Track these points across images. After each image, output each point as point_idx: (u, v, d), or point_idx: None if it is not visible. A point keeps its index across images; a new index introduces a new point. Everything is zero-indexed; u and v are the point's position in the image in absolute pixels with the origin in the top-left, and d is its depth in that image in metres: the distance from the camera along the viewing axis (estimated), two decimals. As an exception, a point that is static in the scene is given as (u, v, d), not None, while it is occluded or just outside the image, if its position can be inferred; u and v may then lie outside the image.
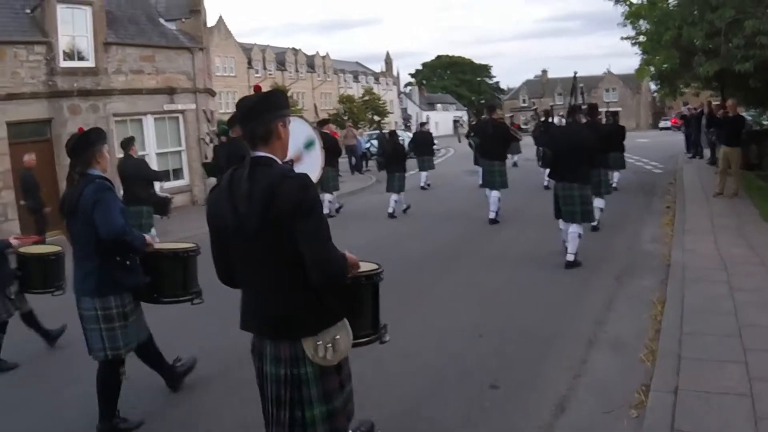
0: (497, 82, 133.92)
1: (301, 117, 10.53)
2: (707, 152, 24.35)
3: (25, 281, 6.76)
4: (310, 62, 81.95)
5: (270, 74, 73.10)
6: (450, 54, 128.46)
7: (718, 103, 23.27)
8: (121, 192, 11.48)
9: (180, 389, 5.87)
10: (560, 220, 10.13)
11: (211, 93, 25.87)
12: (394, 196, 15.84)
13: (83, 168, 5.03)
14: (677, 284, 8.06)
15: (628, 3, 17.49)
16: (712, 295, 7.51)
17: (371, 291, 4.05)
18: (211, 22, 62.33)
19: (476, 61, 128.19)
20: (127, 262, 5.04)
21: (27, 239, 7.15)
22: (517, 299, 8.48)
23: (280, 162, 3.27)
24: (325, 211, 13.42)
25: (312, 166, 8.43)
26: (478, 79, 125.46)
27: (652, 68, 18.43)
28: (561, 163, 9.85)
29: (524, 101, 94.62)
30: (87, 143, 5.08)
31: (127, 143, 12.17)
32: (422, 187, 21.45)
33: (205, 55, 24.57)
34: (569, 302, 8.14)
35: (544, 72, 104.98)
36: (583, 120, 11.03)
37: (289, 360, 3.27)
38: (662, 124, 79.77)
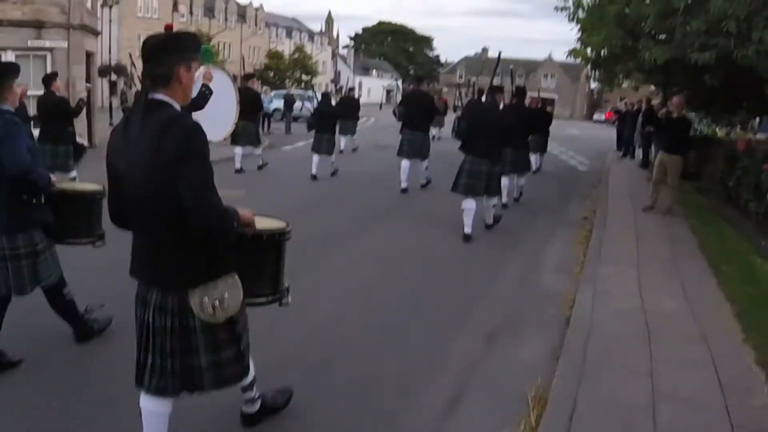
0: (438, 55, 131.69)
1: (223, 69, 10.46)
2: (639, 153, 22.10)
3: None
4: (242, 12, 77.65)
5: (196, 20, 68.87)
6: (393, 21, 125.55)
7: (658, 101, 20.70)
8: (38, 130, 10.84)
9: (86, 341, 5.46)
10: (463, 199, 9.93)
11: (93, 32, 22.62)
12: (315, 157, 15.51)
13: None
14: (571, 373, 5.12)
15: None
16: (621, 404, 4.69)
17: (273, 250, 3.92)
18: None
19: (420, 31, 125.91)
20: (34, 201, 4.89)
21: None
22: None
23: (177, 106, 3.20)
24: (237, 165, 15.50)
25: (225, 118, 8.42)
26: (411, 49, 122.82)
27: (589, 50, 15.51)
28: (473, 138, 9.90)
29: (461, 77, 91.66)
30: None
31: (48, 79, 11.47)
32: (340, 151, 20.64)
33: None
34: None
35: (485, 50, 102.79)
36: (510, 101, 12.06)
37: (177, 310, 3.28)
38: (596, 116, 79.33)
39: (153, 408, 3.51)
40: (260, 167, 16.43)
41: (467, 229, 9.88)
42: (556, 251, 9.69)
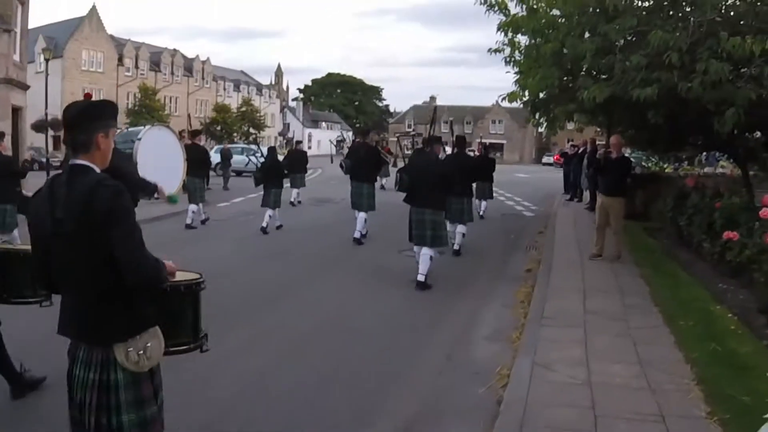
0: (387, 105, 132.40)
1: (168, 126, 10.31)
2: (587, 195, 21.44)
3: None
4: (189, 65, 76.94)
5: (142, 74, 68.06)
6: (342, 72, 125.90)
7: (602, 142, 19.96)
8: None
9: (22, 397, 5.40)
10: (414, 248, 10.41)
11: (20, 86, 21.56)
12: (269, 212, 15.70)
13: None
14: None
15: (503, 11, 13.97)
16: None
17: (190, 300, 4.03)
18: (81, 12, 57.71)
19: (370, 82, 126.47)
20: None
21: None
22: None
23: (97, 170, 3.30)
24: (188, 221, 15.82)
25: (173, 175, 8.27)
26: (360, 100, 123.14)
27: (527, 93, 14.62)
28: (416, 189, 10.18)
29: (410, 126, 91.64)
30: None
31: None
32: (291, 203, 21.32)
33: (12, 38, 20.66)
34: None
35: (432, 98, 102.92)
36: (451, 151, 12.89)
37: (101, 365, 3.27)
38: (545, 159, 79.62)
39: None
40: (203, 222, 16.59)
41: (420, 277, 10.02)
42: (493, 314, 8.68)
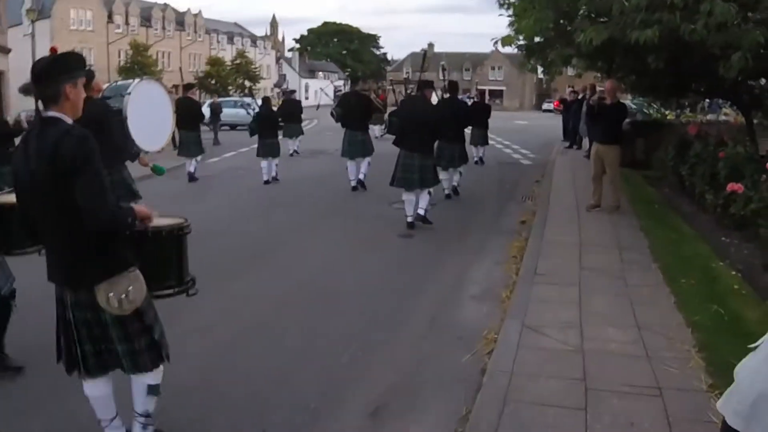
0: (385, 53, 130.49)
1: (157, 80, 9.92)
2: (586, 142, 20.90)
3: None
4: (180, 20, 75.51)
5: (133, 30, 66.73)
6: (338, 21, 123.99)
7: (603, 88, 19.30)
8: None
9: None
10: (403, 192, 10.37)
11: (2, 49, 21.05)
12: (263, 162, 15.88)
13: None
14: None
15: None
16: None
17: (174, 244, 4.16)
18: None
19: (366, 30, 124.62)
20: None
21: None
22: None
23: (68, 121, 3.43)
24: (190, 169, 16.11)
25: (162, 128, 8.17)
26: (357, 48, 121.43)
27: (521, 37, 13.93)
28: (405, 133, 10.22)
29: (407, 73, 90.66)
30: None
31: None
32: (290, 154, 21.50)
33: None
34: None
35: (430, 45, 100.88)
36: (444, 95, 12.97)
37: (89, 305, 3.53)
38: (545, 106, 78.61)
39: (97, 392, 3.84)
40: (190, 179, 16.27)
41: (409, 219, 10.34)
42: (483, 271, 8.23)
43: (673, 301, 6.51)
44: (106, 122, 6.78)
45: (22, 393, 4.86)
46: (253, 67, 77.10)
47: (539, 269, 7.67)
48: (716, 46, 8.81)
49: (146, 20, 69.94)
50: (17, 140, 10.58)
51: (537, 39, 13.51)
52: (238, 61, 75.48)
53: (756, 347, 2.29)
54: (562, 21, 11.93)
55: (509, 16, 13.33)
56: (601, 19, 10.83)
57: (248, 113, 24.67)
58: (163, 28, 72.33)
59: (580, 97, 22.30)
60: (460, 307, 6.91)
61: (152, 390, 3.86)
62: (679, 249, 8.54)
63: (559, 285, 7.08)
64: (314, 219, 11.61)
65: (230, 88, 70.71)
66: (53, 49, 3.57)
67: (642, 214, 10.83)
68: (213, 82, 68.35)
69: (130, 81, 8.94)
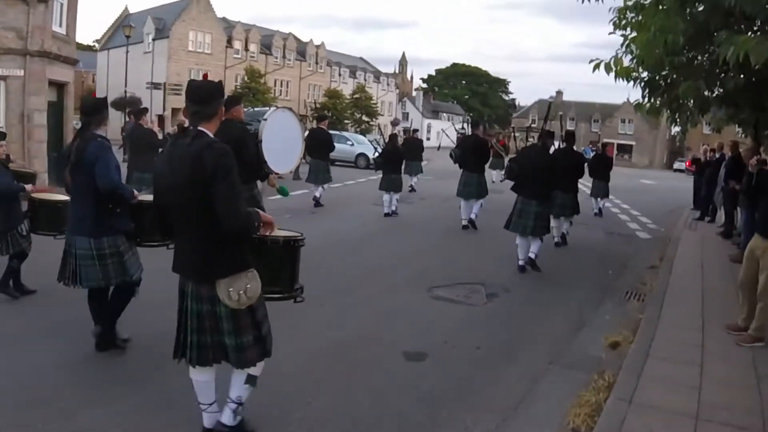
0: (513, 99, 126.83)
1: (291, 110, 10.19)
2: (722, 214, 16.65)
3: (34, 223, 7.30)
4: (302, 49, 74.30)
5: (252, 57, 65.80)
6: (467, 63, 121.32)
7: (748, 147, 14.59)
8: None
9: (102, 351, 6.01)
10: (518, 236, 10.66)
11: (66, 60, 19.62)
12: (386, 196, 16.51)
13: (94, 128, 5.80)
14: None
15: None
16: None
17: (288, 254, 4.72)
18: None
19: (495, 74, 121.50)
20: (118, 210, 5.77)
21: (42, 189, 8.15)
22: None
23: (211, 135, 4.02)
24: (316, 194, 17.18)
25: (290, 156, 9.22)
26: (485, 92, 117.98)
27: (633, 61, 9.76)
28: (524, 179, 10.36)
29: (534, 121, 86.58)
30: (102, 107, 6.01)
31: (138, 113, 12.91)
32: (410, 189, 22.41)
33: (49, 9, 18.53)
34: None
35: (559, 93, 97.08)
36: (561, 145, 12.87)
37: (208, 299, 4.06)
38: (677, 165, 72.83)
39: (201, 378, 4.34)
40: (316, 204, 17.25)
41: (521, 262, 10.65)
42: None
43: None
44: (244, 143, 7.42)
45: (125, 367, 5.71)
46: (372, 102, 74.90)
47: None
48: None
49: (266, 47, 69.09)
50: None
51: (662, 72, 9.51)
52: (357, 96, 73.40)
53: None
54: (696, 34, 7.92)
55: (622, 35, 9.46)
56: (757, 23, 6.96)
57: (376, 149, 24.01)
58: (284, 56, 71.22)
59: (717, 156, 18.03)
60: None
61: (250, 380, 4.32)
62: None
63: None
64: (411, 260, 11.48)
65: (347, 122, 68.95)
66: (205, 76, 4.95)
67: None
68: (329, 113, 66.54)
69: (267, 108, 10.14)
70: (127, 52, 42.89)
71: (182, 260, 4.12)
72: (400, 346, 6.65)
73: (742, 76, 6.47)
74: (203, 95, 4.05)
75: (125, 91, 34.15)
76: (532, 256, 10.58)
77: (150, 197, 6.17)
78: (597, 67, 8.34)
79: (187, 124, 4.13)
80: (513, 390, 5.71)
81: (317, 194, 17.25)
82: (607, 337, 7.20)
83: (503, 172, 24.98)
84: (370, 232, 14.08)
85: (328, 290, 8.40)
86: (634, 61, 9.24)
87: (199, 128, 3.97)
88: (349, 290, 8.88)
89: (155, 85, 40.23)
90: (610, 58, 8.45)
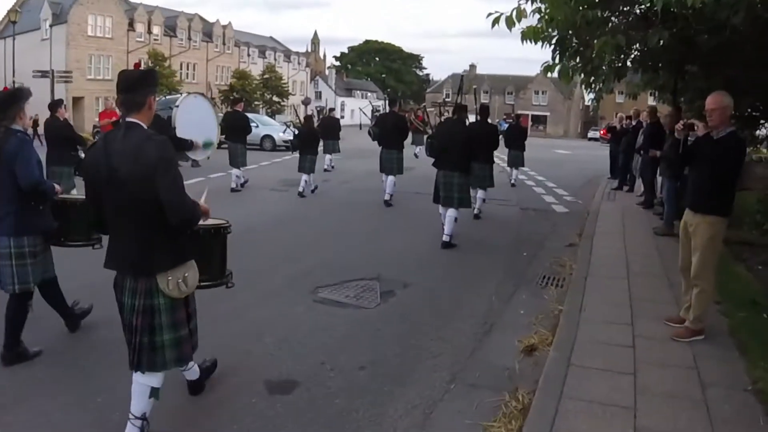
0: (428, 74, 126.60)
1: (203, 95, 10.81)
2: (640, 183, 15.94)
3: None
4: (208, 30, 71.69)
5: (156, 39, 63.01)
6: (380, 40, 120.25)
7: (668, 113, 13.50)
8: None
9: (77, 330, 6.26)
10: (439, 205, 10.90)
11: None
12: (304, 176, 16.45)
13: (8, 123, 5.47)
14: None
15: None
16: None
17: (219, 241, 4.90)
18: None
19: (409, 50, 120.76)
20: (41, 207, 5.57)
21: None
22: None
23: (145, 126, 3.94)
24: (232, 185, 16.82)
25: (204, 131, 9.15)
26: (398, 68, 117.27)
27: (549, 29, 8.69)
28: (444, 153, 10.67)
29: (448, 95, 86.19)
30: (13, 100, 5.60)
31: (54, 105, 12.32)
32: (326, 169, 22.23)
33: None
34: None
35: (473, 67, 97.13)
36: (475, 119, 13.73)
37: (145, 292, 3.95)
38: (591, 134, 73.82)
39: (140, 380, 4.13)
40: (242, 185, 17.36)
41: (445, 237, 10.64)
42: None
43: None
44: (165, 133, 6.69)
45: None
46: (282, 82, 73.06)
47: None
48: None
49: (171, 29, 66.37)
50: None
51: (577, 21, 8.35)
52: (266, 76, 71.40)
53: None
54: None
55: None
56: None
57: (290, 130, 25.51)
58: (189, 38, 68.51)
59: (634, 124, 17.32)
60: None
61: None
62: None
63: None
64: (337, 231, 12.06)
65: (257, 103, 67.09)
66: (136, 65, 4.69)
67: (740, 329, 6.02)
68: (236, 95, 64.55)
69: (178, 95, 9.70)
70: (14, 38, 40.35)
71: (120, 256, 3.99)
72: (264, 374, 5.45)
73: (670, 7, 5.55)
74: (129, 84, 3.96)
75: (13, 82, 31.98)
76: (446, 238, 10.55)
77: (72, 195, 6.44)
78: (496, 21, 7.17)
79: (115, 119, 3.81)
80: (398, 429, 4.58)
81: (233, 184, 16.82)
82: (521, 340, 6.16)
83: (418, 148, 26.49)
84: (266, 221, 12.58)
85: (201, 298, 6.70)
86: (544, 19, 8.15)
87: (130, 119, 3.89)
88: (228, 295, 6.01)
89: (43, 74, 37.73)
90: (512, 10, 7.30)
